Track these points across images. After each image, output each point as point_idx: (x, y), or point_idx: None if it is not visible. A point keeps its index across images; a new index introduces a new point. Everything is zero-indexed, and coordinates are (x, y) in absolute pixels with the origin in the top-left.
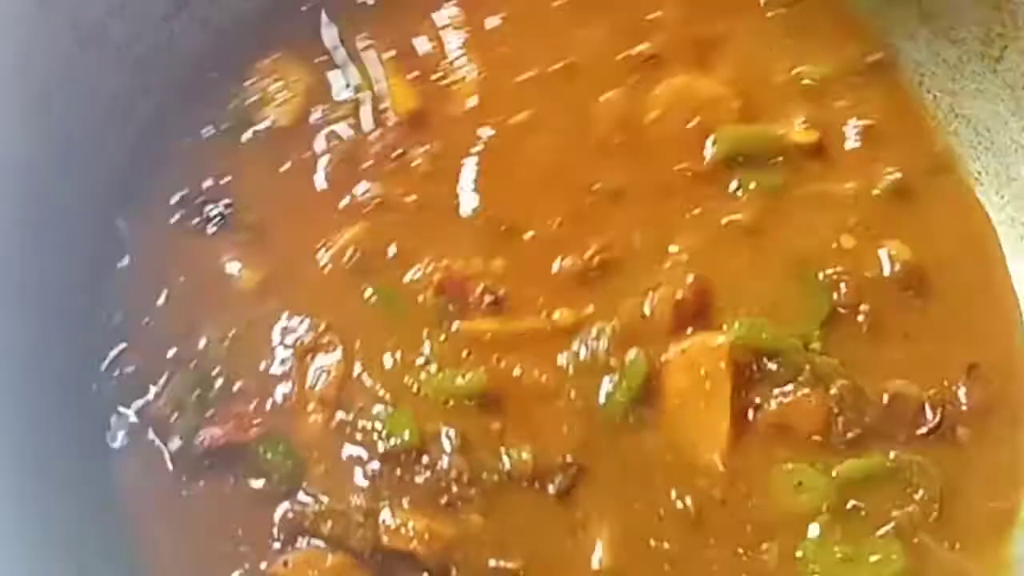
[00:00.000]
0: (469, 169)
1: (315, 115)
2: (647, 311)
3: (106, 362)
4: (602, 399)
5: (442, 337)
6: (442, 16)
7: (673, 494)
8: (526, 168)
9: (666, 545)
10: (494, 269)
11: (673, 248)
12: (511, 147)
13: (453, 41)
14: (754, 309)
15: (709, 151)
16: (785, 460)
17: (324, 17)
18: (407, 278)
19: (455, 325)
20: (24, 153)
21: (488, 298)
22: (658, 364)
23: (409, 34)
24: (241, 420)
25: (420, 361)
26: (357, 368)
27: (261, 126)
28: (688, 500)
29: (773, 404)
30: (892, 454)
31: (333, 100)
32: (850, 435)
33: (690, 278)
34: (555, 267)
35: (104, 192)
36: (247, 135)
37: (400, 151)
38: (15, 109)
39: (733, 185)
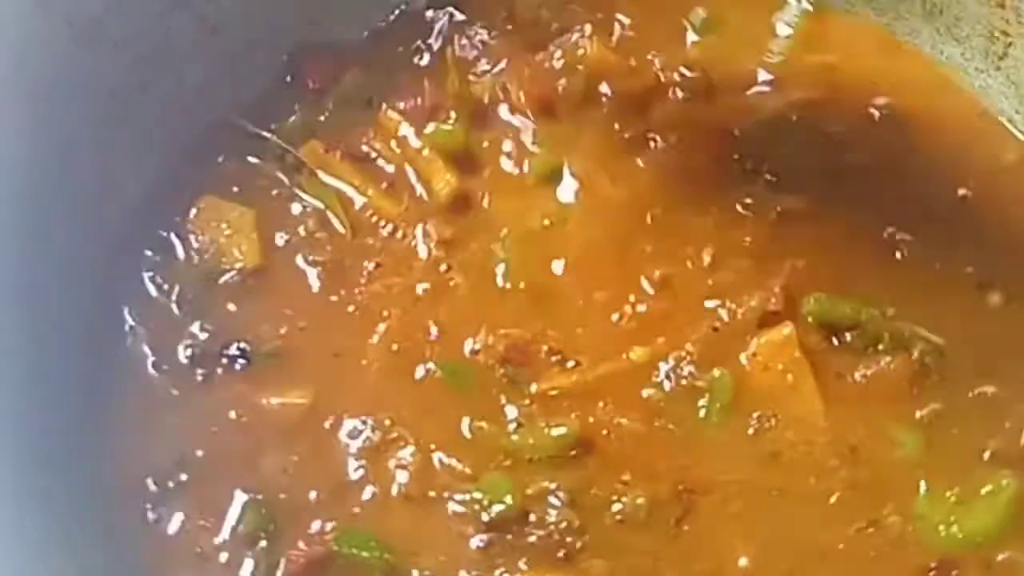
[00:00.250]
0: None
1: (283, 240)
2: (718, 324)
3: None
4: (700, 422)
5: (526, 401)
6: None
7: (783, 489)
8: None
9: (793, 539)
10: (554, 331)
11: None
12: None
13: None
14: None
15: None
16: (876, 424)
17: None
18: (466, 350)
19: (532, 387)
20: (22, 153)
21: (555, 357)
22: (740, 374)
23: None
24: (320, 537)
25: (509, 427)
26: (435, 452)
27: (233, 271)
28: (802, 488)
29: (858, 376)
30: (971, 392)
31: (295, 220)
32: (929, 384)
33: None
34: (615, 317)
35: (105, 194)
36: (223, 280)
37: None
38: (12, 108)
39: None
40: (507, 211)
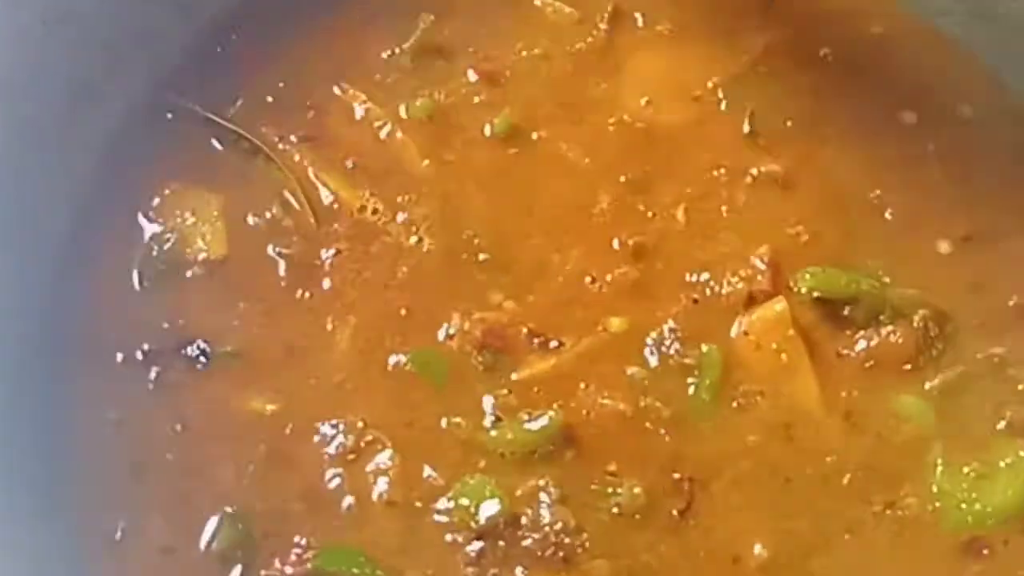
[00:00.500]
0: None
1: (249, 228)
2: (697, 297)
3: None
4: (689, 402)
5: (505, 391)
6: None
7: (791, 473)
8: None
9: (807, 525)
10: (529, 307)
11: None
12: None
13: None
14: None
15: None
16: (883, 399)
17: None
18: (440, 336)
19: (512, 375)
20: None
21: (536, 340)
22: (730, 351)
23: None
24: (300, 556)
25: (486, 422)
26: (413, 456)
27: (197, 262)
28: (811, 470)
29: (859, 351)
30: (979, 355)
31: (261, 207)
32: (935, 352)
33: (762, 255)
34: (588, 280)
35: (76, 182)
36: (188, 273)
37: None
38: None
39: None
40: (476, 183)
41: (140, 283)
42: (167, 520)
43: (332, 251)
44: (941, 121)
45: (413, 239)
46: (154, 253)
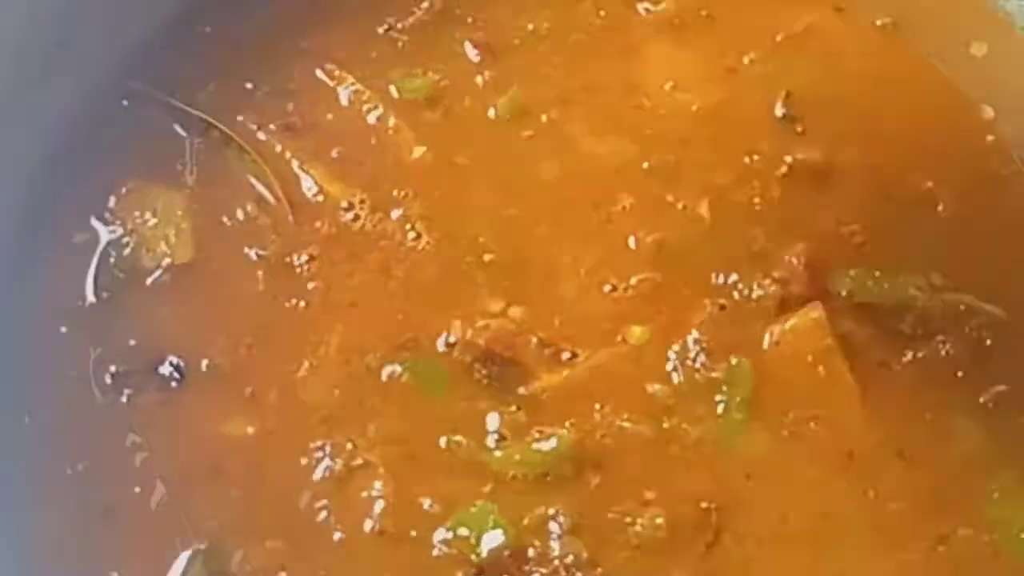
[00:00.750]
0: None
1: (220, 229)
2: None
3: None
4: (718, 422)
5: (512, 407)
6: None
7: (831, 506)
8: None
9: (849, 565)
10: (539, 314)
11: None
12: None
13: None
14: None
15: None
16: (932, 417)
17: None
18: (439, 346)
19: (520, 390)
20: None
21: (547, 351)
22: (761, 364)
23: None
24: None
25: (489, 442)
26: (408, 481)
27: (161, 268)
28: (853, 502)
29: (905, 362)
30: None
31: (233, 205)
32: (991, 365)
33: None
34: (607, 288)
35: (19, 177)
36: (149, 281)
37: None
38: None
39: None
40: (479, 174)
41: (96, 295)
42: (138, 560)
43: (316, 252)
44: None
45: (409, 238)
46: (111, 260)
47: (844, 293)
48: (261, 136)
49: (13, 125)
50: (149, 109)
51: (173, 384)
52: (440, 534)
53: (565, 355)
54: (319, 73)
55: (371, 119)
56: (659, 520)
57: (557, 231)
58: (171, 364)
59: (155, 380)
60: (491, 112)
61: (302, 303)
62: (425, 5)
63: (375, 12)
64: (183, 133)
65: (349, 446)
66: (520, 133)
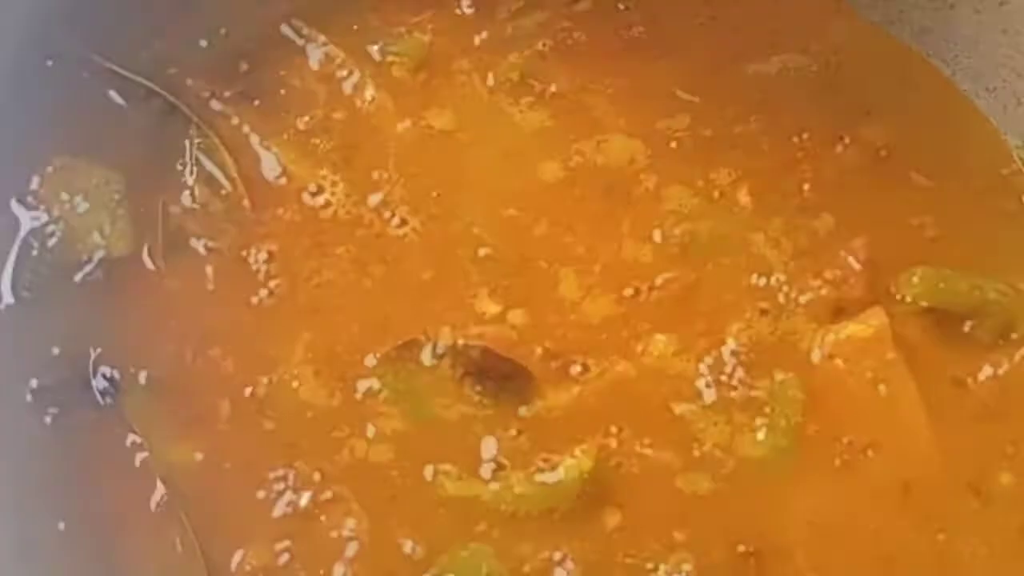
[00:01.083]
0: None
1: (164, 216)
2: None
3: None
4: (760, 450)
5: (512, 431)
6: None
7: (894, 547)
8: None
9: None
10: (544, 319)
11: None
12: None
13: None
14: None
15: None
16: (1016, 446)
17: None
18: (425, 358)
19: (522, 410)
20: None
21: (554, 364)
22: (811, 380)
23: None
24: None
25: (484, 472)
26: (385, 519)
27: (92, 262)
28: (921, 545)
29: (983, 379)
30: None
31: (180, 188)
32: None
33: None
34: (627, 290)
35: None
36: (79, 277)
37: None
38: None
39: None
40: (475, 153)
41: (15, 294)
42: None
43: (278, 245)
44: None
45: (390, 227)
46: (34, 252)
47: (910, 297)
48: (215, 106)
49: None
50: (79, 72)
51: (107, 400)
52: None
53: (575, 368)
54: (285, 30)
55: (346, 87)
56: (687, 567)
57: (566, 220)
58: (104, 377)
59: (85, 396)
60: (490, 79)
61: (260, 305)
62: None
63: None
64: (121, 102)
65: (316, 476)
66: (522, 104)
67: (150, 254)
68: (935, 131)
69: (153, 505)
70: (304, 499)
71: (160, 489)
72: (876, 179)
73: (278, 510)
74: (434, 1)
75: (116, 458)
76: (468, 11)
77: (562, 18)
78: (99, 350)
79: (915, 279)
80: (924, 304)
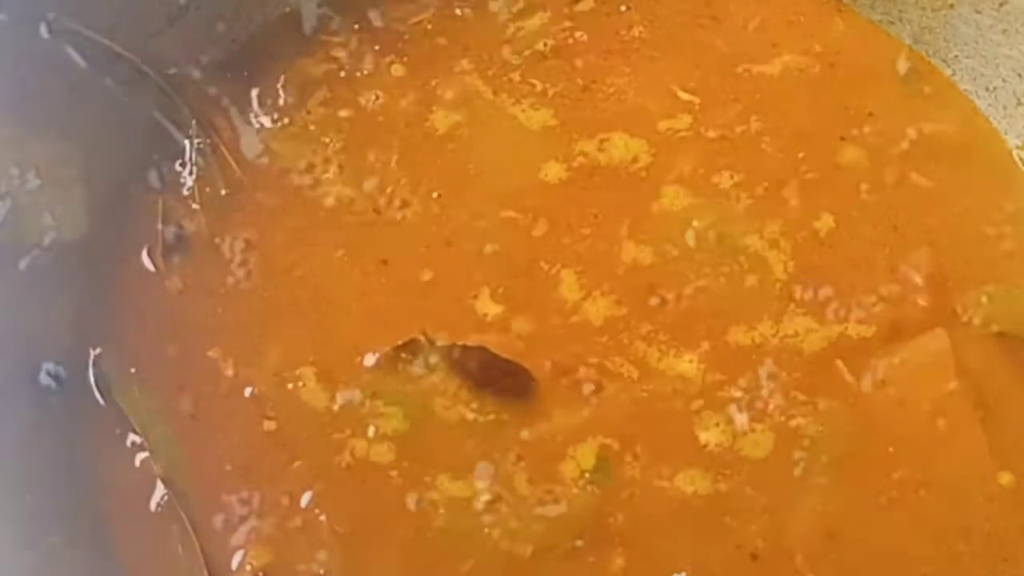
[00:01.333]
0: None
1: (125, 196)
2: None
3: None
4: (795, 487)
5: (511, 455)
6: None
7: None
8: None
9: None
10: (553, 328)
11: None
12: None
13: None
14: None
15: None
16: None
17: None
18: (415, 369)
19: (523, 432)
20: None
21: (563, 380)
22: (859, 410)
23: None
24: None
25: (478, 502)
26: (366, 550)
27: (42, 246)
28: None
29: None
30: None
31: (144, 164)
32: None
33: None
34: (653, 300)
35: None
36: (24, 263)
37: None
38: None
39: None
40: (484, 132)
41: None
42: None
43: (256, 233)
44: None
45: (385, 215)
46: None
47: (978, 320)
48: (192, 73)
49: None
50: (30, 32)
51: (52, 399)
52: None
53: (587, 387)
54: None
55: (340, 54)
56: None
57: (583, 217)
58: (48, 373)
59: (28, 393)
60: (491, 79)
61: (229, 299)
62: None
63: None
64: (81, 63)
65: (285, 501)
66: (524, 102)
67: (105, 239)
68: (935, 131)
69: (153, 505)
70: (269, 526)
71: (160, 489)
72: (945, 182)
73: (237, 538)
74: (436, 0)
75: (116, 458)
76: (469, 11)
77: (563, 18)
78: (43, 343)
79: (983, 298)
80: (994, 327)
